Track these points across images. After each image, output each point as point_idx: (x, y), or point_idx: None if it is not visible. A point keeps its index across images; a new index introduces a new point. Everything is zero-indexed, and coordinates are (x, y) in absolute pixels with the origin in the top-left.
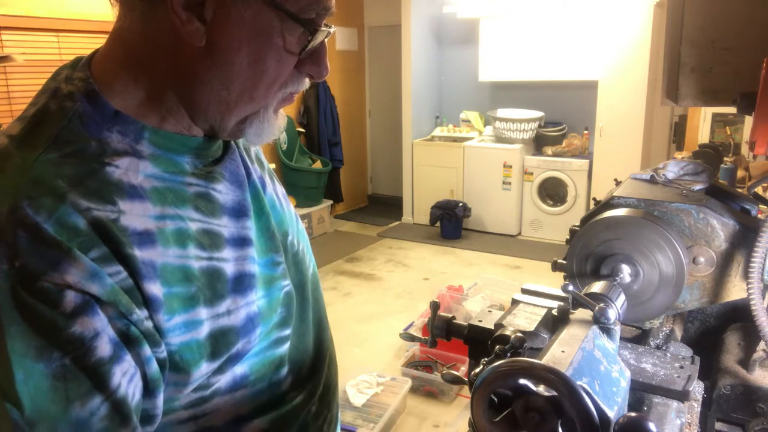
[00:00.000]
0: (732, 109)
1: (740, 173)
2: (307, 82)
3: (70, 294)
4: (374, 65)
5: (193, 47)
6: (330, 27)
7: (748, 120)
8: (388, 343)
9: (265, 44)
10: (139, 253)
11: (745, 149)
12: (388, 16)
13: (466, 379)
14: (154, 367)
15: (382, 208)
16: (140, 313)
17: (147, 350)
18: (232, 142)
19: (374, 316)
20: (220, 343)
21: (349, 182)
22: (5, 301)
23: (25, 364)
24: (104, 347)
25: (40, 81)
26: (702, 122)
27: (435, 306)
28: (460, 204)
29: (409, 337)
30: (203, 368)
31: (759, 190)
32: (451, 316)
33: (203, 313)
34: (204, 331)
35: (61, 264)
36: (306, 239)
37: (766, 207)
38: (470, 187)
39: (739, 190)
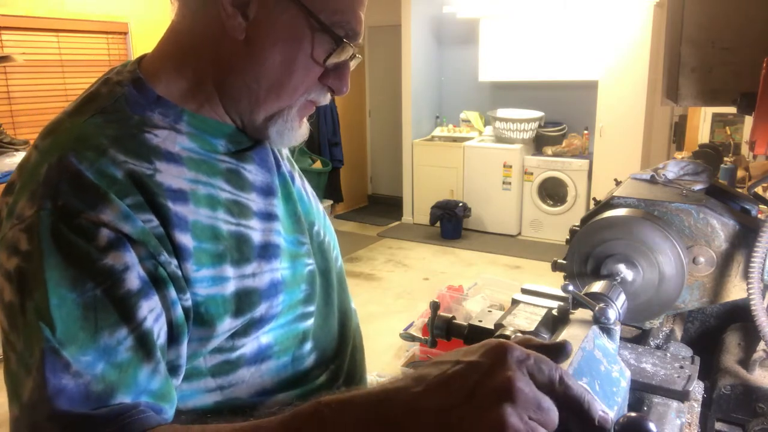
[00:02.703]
0: (732, 109)
1: (740, 173)
2: (328, 97)
3: (104, 231)
4: (374, 65)
5: (234, 40)
6: (358, 55)
7: (748, 120)
8: (388, 343)
9: (295, 47)
10: (173, 206)
11: (745, 149)
12: (388, 16)
13: None
14: (179, 311)
15: (382, 208)
16: (169, 259)
17: (173, 293)
18: None
19: (374, 316)
20: (244, 303)
21: (349, 182)
22: (45, 235)
23: (60, 292)
24: (133, 281)
25: (40, 81)
26: (702, 122)
27: (435, 306)
28: (460, 204)
29: (409, 337)
30: (227, 323)
31: (759, 190)
32: (451, 316)
33: (229, 271)
34: (229, 288)
35: (98, 205)
36: (333, 235)
37: (766, 207)
38: (470, 187)
39: (739, 190)
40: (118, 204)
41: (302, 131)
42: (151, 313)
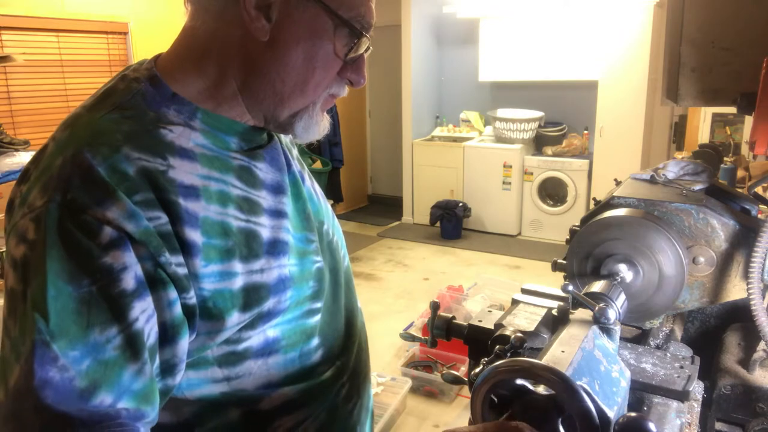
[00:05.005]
0: (732, 109)
1: (740, 173)
2: (346, 89)
3: (107, 228)
4: (374, 65)
5: (257, 42)
6: (371, 46)
7: (748, 120)
8: (388, 343)
9: (317, 44)
10: (184, 203)
11: (745, 149)
12: (388, 16)
13: (466, 379)
14: (177, 311)
15: (382, 208)
16: (171, 258)
17: (172, 294)
18: (276, 137)
19: (374, 316)
20: (252, 297)
21: (349, 182)
22: (52, 227)
23: (58, 284)
24: (129, 281)
25: (40, 81)
26: (702, 122)
27: (435, 306)
28: (460, 204)
29: (409, 337)
30: (235, 317)
31: (759, 190)
32: (451, 316)
33: (238, 266)
34: (238, 283)
35: (105, 202)
36: (341, 235)
37: (766, 207)
38: (470, 187)
39: (739, 190)
40: (125, 202)
41: (325, 124)
42: (143, 314)
